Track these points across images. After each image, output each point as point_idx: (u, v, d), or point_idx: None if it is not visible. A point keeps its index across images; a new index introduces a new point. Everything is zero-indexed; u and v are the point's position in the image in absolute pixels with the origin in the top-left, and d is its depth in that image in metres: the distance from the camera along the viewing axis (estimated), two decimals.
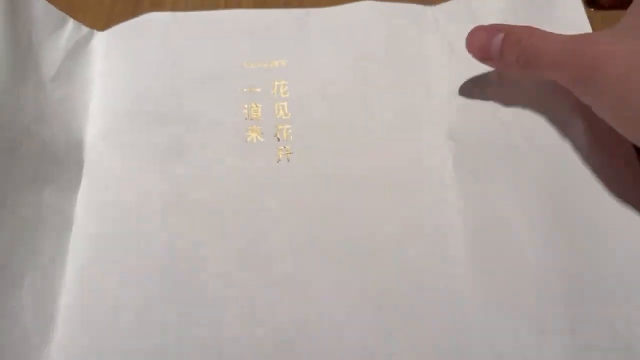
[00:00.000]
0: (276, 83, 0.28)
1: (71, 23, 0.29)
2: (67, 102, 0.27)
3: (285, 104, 0.28)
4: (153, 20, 0.30)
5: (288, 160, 0.26)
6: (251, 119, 0.27)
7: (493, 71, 0.27)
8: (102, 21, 0.31)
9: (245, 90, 0.28)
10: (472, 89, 0.27)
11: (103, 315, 0.23)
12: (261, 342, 0.22)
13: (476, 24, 0.26)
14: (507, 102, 0.26)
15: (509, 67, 0.25)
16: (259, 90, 0.28)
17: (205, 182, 0.26)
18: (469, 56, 0.26)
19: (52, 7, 0.29)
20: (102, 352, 0.22)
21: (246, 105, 0.28)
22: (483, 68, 0.26)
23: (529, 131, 0.25)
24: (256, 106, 0.28)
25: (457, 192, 0.25)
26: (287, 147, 0.27)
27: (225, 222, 0.25)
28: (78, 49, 0.29)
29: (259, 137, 0.27)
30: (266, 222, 0.25)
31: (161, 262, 0.24)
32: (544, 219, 0.23)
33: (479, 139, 0.26)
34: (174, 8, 0.31)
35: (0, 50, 0.24)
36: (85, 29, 0.30)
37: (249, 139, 0.27)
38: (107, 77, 0.29)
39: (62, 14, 0.29)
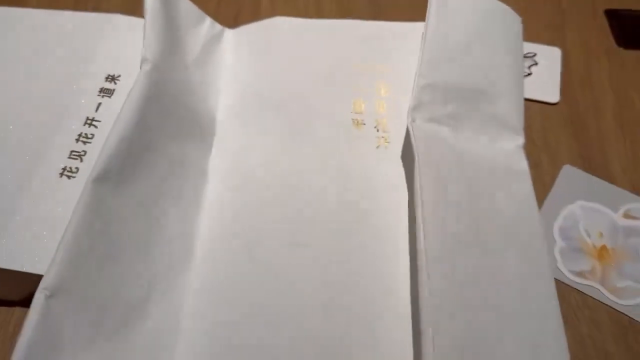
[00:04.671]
0: (378, 84, 0.34)
1: (208, 20, 0.35)
2: (204, 84, 0.33)
3: (384, 102, 0.33)
4: (280, 23, 0.36)
5: (385, 148, 0.31)
6: (356, 112, 0.33)
7: None
8: None
9: (352, 88, 0.34)
10: None
11: (233, 253, 0.27)
12: None
13: None
14: None
15: None
16: (363, 88, 0.34)
17: (315, 161, 0.31)
18: None
19: (194, 6, 0.34)
20: (235, 281, 0.26)
21: (353, 100, 0.33)
22: None
23: None
24: (361, 102, 0.33)
25: None
26: (385, 135, 0.32)
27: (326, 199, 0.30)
28: (212, 42, 0.35)
29: (362, 127, 0.32)
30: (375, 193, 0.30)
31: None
32: None
33: None
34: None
35: (156, 35, 0.29)
36: (218, 26, 0.36)
37: (353, 128, 0.32)
38: (236, 68, 0.35)
39: (201, 12, 0.35)
